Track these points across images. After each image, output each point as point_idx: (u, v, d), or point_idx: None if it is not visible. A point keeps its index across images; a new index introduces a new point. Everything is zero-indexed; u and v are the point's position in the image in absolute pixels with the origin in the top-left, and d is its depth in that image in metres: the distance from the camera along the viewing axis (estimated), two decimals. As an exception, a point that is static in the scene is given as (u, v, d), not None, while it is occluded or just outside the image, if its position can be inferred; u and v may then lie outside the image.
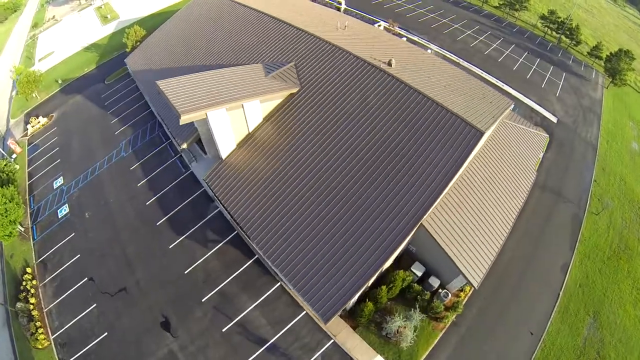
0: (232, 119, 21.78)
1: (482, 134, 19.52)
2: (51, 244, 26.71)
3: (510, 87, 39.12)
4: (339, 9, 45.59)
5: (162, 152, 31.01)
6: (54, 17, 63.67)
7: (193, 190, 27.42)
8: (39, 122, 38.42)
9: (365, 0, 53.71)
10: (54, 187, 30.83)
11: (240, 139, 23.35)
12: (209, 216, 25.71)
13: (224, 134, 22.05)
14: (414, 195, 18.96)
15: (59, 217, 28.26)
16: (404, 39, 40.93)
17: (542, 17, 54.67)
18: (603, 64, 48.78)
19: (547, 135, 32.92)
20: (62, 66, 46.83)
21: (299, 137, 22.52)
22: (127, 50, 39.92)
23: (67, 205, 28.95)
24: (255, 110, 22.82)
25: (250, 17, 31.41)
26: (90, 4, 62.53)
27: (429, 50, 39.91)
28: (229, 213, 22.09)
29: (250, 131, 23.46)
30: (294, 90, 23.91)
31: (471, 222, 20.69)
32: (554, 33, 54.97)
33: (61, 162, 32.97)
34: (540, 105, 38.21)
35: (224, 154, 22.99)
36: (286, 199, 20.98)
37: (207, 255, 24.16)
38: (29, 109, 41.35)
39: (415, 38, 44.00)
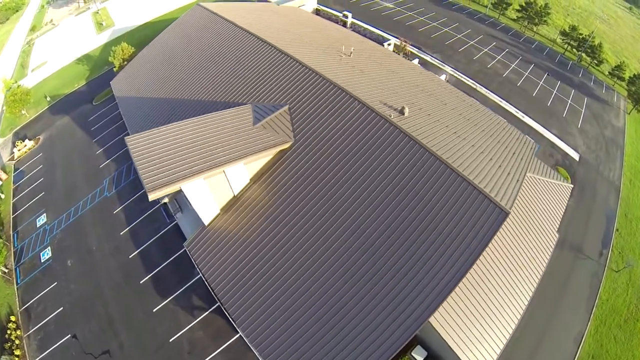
0: (213, 185, 17.42)
1: (506, 214, 15.35)
2: (34, 291, 23.49)
3: (531, 118, 33.68)
4: (345, 24, 39.87)
5: (144, 196, 26.57)
6: (51, 20, 58.44)
7: (177, 247, 23.13)
8: (25, 146, 34.09)
9: (374, 13, 47.39)
10: (37, 226, 27.16)
11: (224, 203, 18.83)
12: (194, 279, 21.85)
13: (203, 202, 17.73)
14: (422, 289, 14.62)
15: (42, 261, 24.88)
16: (416, 60, 35.75)
17: (563, 34, 48.39)
18: (626, 86, 43.04)
19: (572, 185, 27.44)
20: (53, 80, 42.25)
21: (293, 205, 17.96)
22: (115, 69, 35.09)
23: (49, 248, 25.41)
24: (240, 173, 18.33)
25: (244, 41, 26.26)
26: (88, 8, 57.21)
27: (444, 76, 34.46)
28: (213, 292, 17.89)
29: (235, 194, 18.90)
30: (286, 146, 19.03)
31: (480, 309, 16.51)
32: (574, 50, 48.64)
33: (45, 195, 29.05)
34: (562, 140, 32.85)
35: (206, 220, 18.68)
36: (278, 280, 16.70)
37: (192, 324, 20.42)
38: (18, 128, 37.15)
39: (428, 58, 38.24)
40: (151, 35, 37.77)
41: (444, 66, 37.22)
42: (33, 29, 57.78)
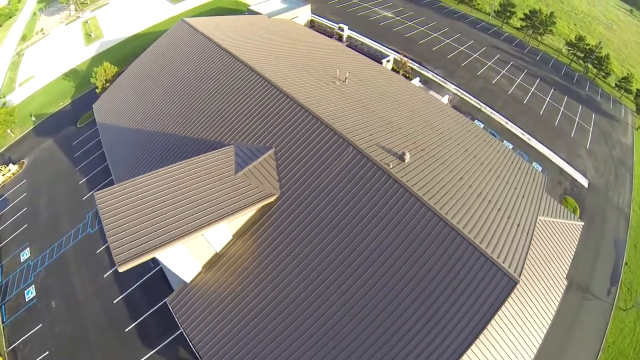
0: (191, 246, 15.06)
1: (515, 283, 13.15)
2: (20, 331, 21.51)
3: (539, 141, 30.96)
4: (340, 37, 36.57)
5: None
6: (42, 29, 54.60)
7: (162, 294, 20.93)
8: (9, 171, 31.45)
9: (372, 23, 43.88)
10: (22, 260, 24.97)
11: (205, 261, 16.47)
12: (180, 331, 19.63)
13: (181, 264, 15.48)
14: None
15: (27, 300, 22.83)
16: (418, 78, 32.67)
17: (569, 44, 45.24)
18: (633, 99, 40.63)
19: (582, 223, 24.02)
20: (40, 96, 39.26)
21: (280, 264, 15.52)
22: (98, 91, 32.20)
23: (34, 287, 23.33)
24: (221, 232, 16.00)
25: (228, 66, 23.19)
26: (78, 17, 53.51)
27: (447, 97, 31.35)
28: (197, 353, 15.56)
29: (218, 251, 16.52)
30: (272, 200, 16.45)
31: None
32: (580, 61, 45.74)
33: (29, 227, 26.67)
34: (571, 164, 30.20)
35: (187, 278, 16.40)
36: (264, 339, 14.44)
37: (177, 380, 19.05)
38: (3, 149, 34.37)
39: (430, 75, 35.15)
40: (139, 48, 35.09)
41: (446, 84, 34.26)
42: (24, 38, 54.24)
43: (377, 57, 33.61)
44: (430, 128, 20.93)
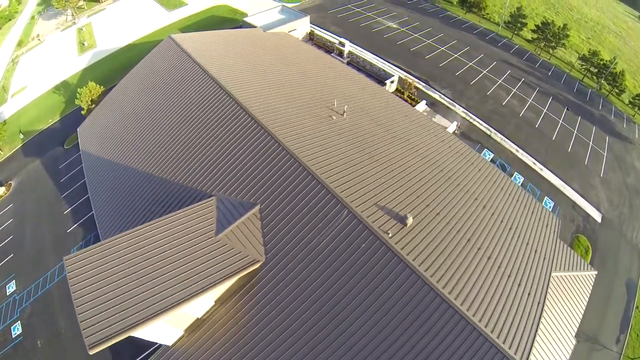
0: (169, 319, 12.77)
1: None
2: None
3: (551, 170, 27.82)
4: (341, 53, 32.70)
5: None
6: (38, 35, 51.01)
7: (149, 343, 18.60)
8: (-4, 192, 30.09)
9: (376, 35, 40.01)
10: (7, 294, 22.79)
11: (187, 325, 14.14)
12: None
13: (160, 334, 13.28)
14: None
15: (13, 336, 20.76)
16: (424, 102, 29.11)
17: (582, 59, 41.50)
18: None
19: (595, 272, 20.77)
20: (31, 110, 36.20)
21: (265, 333, 13.12)
22: (83, 112, 29.40)
23: (20, 323, 21.19)
24: (202, 300, 13.75)
25: (212, 97, 20.12)
26: (74, 23, 49.80)
27: (455, 124, 27.97)
28: None
29: (200, 317, 14.22)
30: (256, 267, 13.96)
31: None
32: (594, 77, 41.35)
33: (14, 258, 24.32)
34: (584, 197, 27.09)
35: (169, 342, 14.05)
36: None
37: None
38: (-8, 167, 32.84)
39: (437, 96, 31.66)
40: (131, 61, 32.37)
41: (454, 106, 30.85)
42: (20, 44, 50.70)
43: (381, 77, 30.48)
44: (439, 172, 18.17)
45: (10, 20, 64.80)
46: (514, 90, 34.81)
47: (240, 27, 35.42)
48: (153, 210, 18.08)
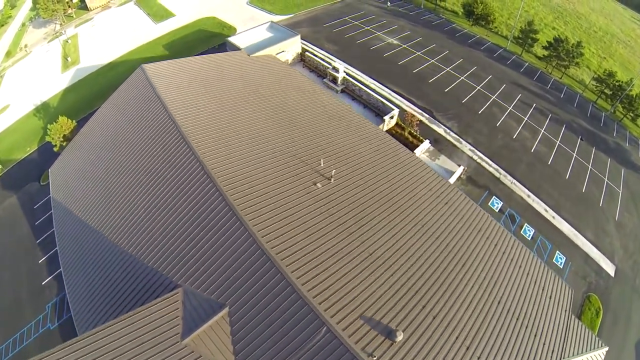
0: None
1: None
2: None
3: (563, 217, 22.64)
4: (334, 80, 26.37)
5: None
6: (26, 46, 44.43)
7: None
8: (-36, 233, 25.91)
9: (374, 55, 33.09)
10: None
11: None
12: None
13: None
14: None
15: None
16: (427, 142, 23.26)
17: (597, 80, 35.06)
18: None
19: (606, 348, 16.29)
20: (10, 134, 30.65)
21: None
22: (55, 149, 24.29)
23: None
24: None
25: (175, 149, 15.64)
26: (62, 33, 42.76)
27: (461, 167, 22.39)
28: None
29: None
30: None
31: None
32: (608, 100, 34.76)
33: None
34: (597, 247, 22.09)
35: None
36: None
37: None
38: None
39: (441, 131, 25.75)
40: (112, 82, 27.61)
41: (460, 142, 25.14)
42: (8, 55, 44.48)
43: (379, 109, 24.78)
44: (440, 251, 13.61)
45: (2, 26, 56.85)
46: (525, 119, 28.81)
47: (224, 46, 29.53)
48: (120, 283, 13.88)
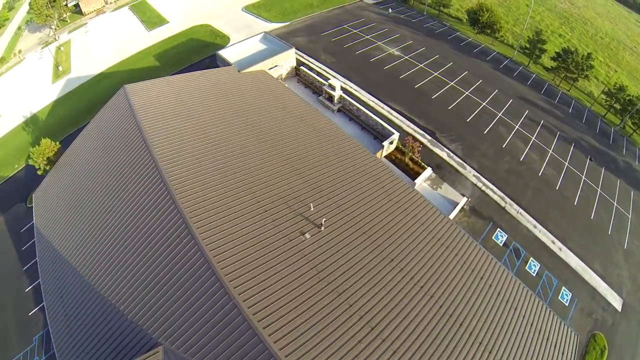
0: None
1: None
2: None
3: (570, 249, 19.99)
4: (330, 98, 23.21)
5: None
6: (20, 51, 40.94)
7: None
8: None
9: (374, 68, 29.60)
10: None
11: None
12: None
13: None
14: None
15: None
16: (429, 170, 20.51)
17: (607, 94, 31.70)
18: None
19: None
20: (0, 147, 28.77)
21: None
22: (39, 172, 21.68)
23: None
24: None
25: (150, 184, 13.47)
26: (55, 39, 39.73)
27: (465, 199, 19.68)
28: None
29: None
30: None
31: None
32: (617, 114, 31.57)
33: None
34: (605, 280, 19.59)
35: None
36: None
37: None
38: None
39: (444, 155, 22.57)
40: (102, 95, 25.32)
41: (465, 168, 22.12)
42: (2, 61, 40.81)
43: (377, 132, 21.81)
44: (440, 316, 11.35)
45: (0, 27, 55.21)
46: (533, 138, 25.81)
47: (216, 58, 26.22)
48: (97, 329, 12.03)
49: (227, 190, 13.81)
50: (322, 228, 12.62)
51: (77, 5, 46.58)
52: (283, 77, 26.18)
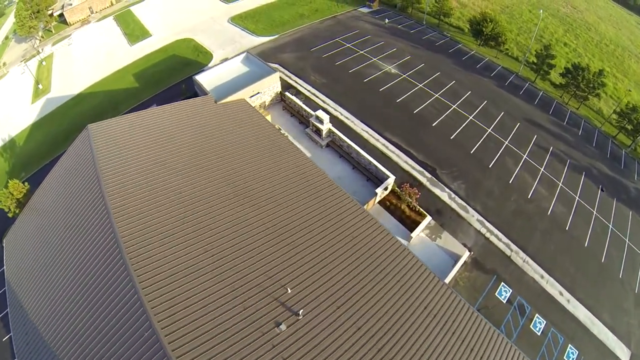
0: None
1: None
2: None
3: (579, 299, 16.56)
4: (318, 131, 19.20)
5: None
6: (4, 64, 36.35)
7: None
8: None
9: (368, 89, 25.09)
10: None
11: None
12: None
13: None
14: None
15: None
16: (428, 219, 17.03)
17: (620, 114, 27.01)
18: None
19: None
20: None
21: None
22: (10, 215, 18.14)
23: None
24: None
25: (104, 243, 10.76)
26: (38, 52, 35.03)
27: (467, 253, 16.27)
28: None
29: None
30: None
31: None
32: (630, 136, 27.44)
33: None
34: (613, 331, 16.32)
35: None
36: None
37: None
38: None
39: (445, 197, 18.57)
40: (77, 122, 21.99)
41: (467, 212, 18.23)
42: None
43: (370, 172, 18.07)
44: None
45: None
46: (542, 169, 21.72)
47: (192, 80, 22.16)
48: None
49: (185, 251, 10.75)
50: (300, 315, 9.66)
51: (61, 15, 41.31)
52: (267, 104, 22.04)
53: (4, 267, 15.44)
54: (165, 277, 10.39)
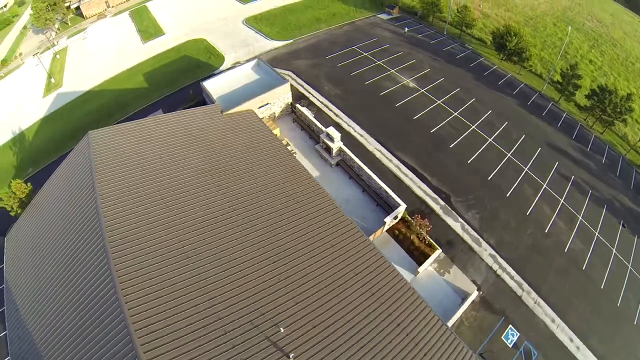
0: None
1: None
2: None
3: (590, 347, 14.81)
4: (329, 149, 17.69)
5: None
6: (20, 55, 35.95)
7: None
8: None
9: (382, 104, 23.30)
10: None
11: None
12: None
13: None
14: None
15: None
16: (438, 252, 15.59)
17: None
18: None
19: None
20: None
21: None
22: (12, 213, 17.56)
23: None
24: None
25: (98, 265, 9.78)
26: (54, 44, 34.33)
27: (476, 292, 14.61)
28: None
29: None
30: None
31: None
32: None
33: None
34: None
35: None
36: None
37: None
38: None
39: (458, 228, 17.08)
40: (84, 122, 21.49)
41: (480, 246, 16.73)
42: (3, 63, 35.53)
43: (381, 198, 16.54)
44: None
45: (8, 25, 45.31)
46: (562, 201, 19.78)
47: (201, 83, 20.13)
48: None
49: (175, 279, 9.83)
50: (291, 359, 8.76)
51: (78, 8, 40.22)
52: (276, 115, 20.58)
53: (4, 264, 14.78)
54: (152, 299, 9.47)
